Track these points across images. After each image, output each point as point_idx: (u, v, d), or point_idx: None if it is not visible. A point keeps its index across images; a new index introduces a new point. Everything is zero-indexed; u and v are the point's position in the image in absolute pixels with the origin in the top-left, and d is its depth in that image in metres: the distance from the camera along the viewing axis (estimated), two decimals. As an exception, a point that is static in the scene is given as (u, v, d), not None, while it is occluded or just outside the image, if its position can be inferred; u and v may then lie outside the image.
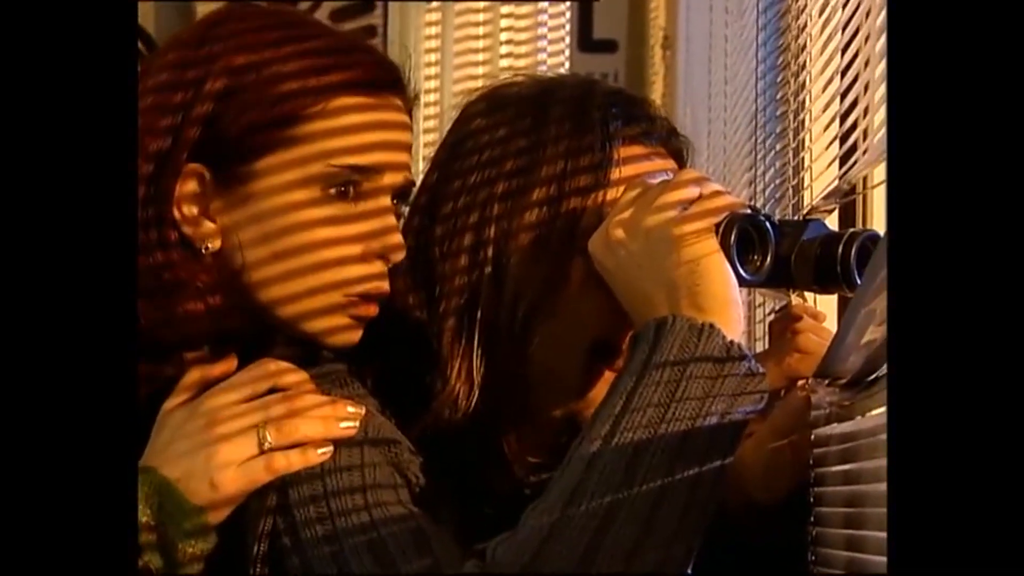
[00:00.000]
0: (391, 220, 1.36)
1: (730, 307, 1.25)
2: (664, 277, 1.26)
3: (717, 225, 1.28)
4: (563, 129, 1.36)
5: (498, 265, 1.35)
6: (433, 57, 3.91)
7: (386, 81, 1.38)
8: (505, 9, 3.83)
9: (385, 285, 1.36)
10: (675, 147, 1.42)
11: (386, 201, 1.36)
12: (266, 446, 1.29)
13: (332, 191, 1.34)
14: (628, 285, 1.29)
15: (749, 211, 1.31)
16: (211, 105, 1.34)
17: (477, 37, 3.87)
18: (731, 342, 1.23)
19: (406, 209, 1.41)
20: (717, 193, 1.30)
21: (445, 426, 1.34)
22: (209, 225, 1.35)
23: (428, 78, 3.85)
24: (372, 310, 1.36)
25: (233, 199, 1.35)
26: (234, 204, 1.35)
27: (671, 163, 1.40)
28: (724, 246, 1.28)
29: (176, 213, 1.34)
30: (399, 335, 1.37)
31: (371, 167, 1.35)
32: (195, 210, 1.35)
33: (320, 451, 1.29)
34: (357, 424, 1.30)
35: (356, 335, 1.36)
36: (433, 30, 3.92)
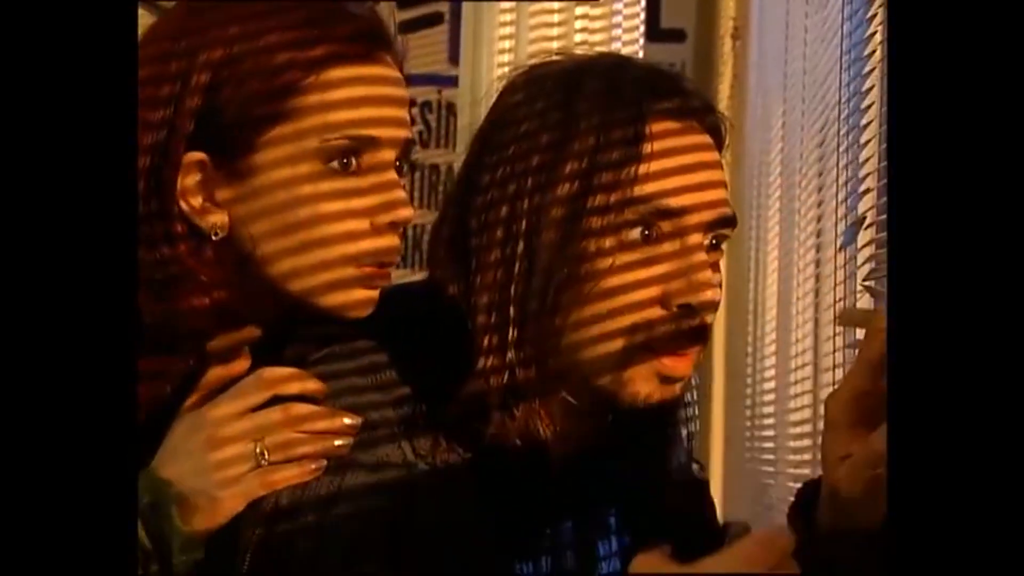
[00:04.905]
0: (396, 185, 1.35)
1: None
2: None
3: None
4: (596, 103, 1.35)
5: (530, 239, 1.33)
6: (507, 44, 3.90)
7: (376, 40, 1.37)
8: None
9: (396, 254, 1.35)
10: (711, 123, 1.40)
11: (390, 157, 1.35)
12: (263, 462, 1.30)
13: (333, 163, 1.33)
14: None
15: None
16: (209, 76, 1.32)
17: (551, 25, 3.86)
18: None
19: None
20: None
21: (476, 403, 1.33)
22: (216, 211, 1.33)
23: (500, 65, 3.85)
24: (386, 277, 1.36)
25: (236, 179, 1.33)
26: (238, 184, 1.33)
27: (706, 138, 1.39)
28: None
29: (182, 203, 1.33)
30: (435, 307, 1.36)
31: (369, 127, 1.33)
32: (200, 198, 1.33)
33: (314, 466, 1.31)
34: (352, 438, 1.31)
35: (371, 304, 1.35)
36: (508, 16, 3.92)
